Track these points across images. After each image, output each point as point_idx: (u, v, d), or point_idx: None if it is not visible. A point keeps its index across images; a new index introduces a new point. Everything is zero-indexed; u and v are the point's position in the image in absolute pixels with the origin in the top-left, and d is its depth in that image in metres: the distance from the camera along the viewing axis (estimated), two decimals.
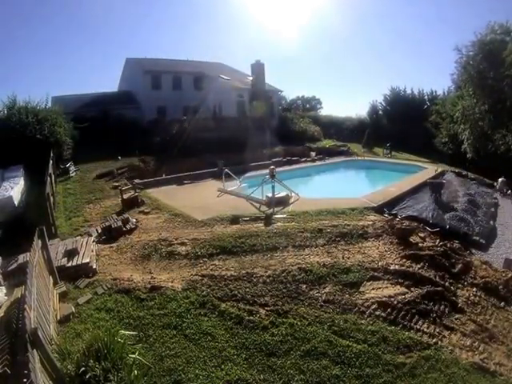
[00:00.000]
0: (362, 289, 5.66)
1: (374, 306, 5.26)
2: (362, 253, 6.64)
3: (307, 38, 70.25)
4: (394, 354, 4.46)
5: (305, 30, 67.08)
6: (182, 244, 7.26)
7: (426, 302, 5.50)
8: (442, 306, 5.52)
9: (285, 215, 8.56)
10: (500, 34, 15.52)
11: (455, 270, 6.57)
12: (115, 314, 5.09)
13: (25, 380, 2.67)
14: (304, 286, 5.67)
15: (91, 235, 8.05)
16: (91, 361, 3.57)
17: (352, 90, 65.45)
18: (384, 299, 5.37)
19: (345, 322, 4.90)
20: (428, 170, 15.82)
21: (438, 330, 5.02)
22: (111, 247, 7.63)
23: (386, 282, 5.87)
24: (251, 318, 4.96)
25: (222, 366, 4.17)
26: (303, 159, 18.98)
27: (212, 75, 23.91)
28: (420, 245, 7.14)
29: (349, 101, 65.92)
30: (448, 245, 7.31)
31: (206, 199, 10.75)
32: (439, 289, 5.83)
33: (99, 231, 8.37)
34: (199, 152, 15.95)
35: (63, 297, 5.52)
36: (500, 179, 14.23)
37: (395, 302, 5.33)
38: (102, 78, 61.24)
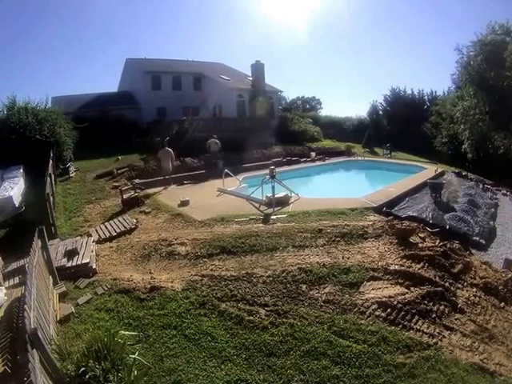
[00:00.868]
0: (361, 289, 5.64)
1: (373, 306, 5.24)
2: (362, 253, 6.62)
3: (307, 37, 70.36)
4: (394, 354, 4.45)
5: (305, 30, 67.21)
6: (182, 244, 7.26)
7: (426, 302, 5.48)
8: (442, 307, 5.50)
9: (285, 215, 8.56)
10: (500, 34, 15.56)
11: (455, 271, 6.55)
12: (115, 314, 5.08)
13: (25, 380, 2.67)
14: (304, 286, 5.65)
15: (91, 235, 8.06)
16: (91, 361, 3.56)
17: (352, 90, 65.80)
18: (384, 299, 5.36)
19: (345, 322, 4.89)
20: (428, 170, 15.77)
21: (437, 331, 5.01)
22: (111, 247, 7.64)
23: (385, 282, 5.86)
24: (251, 318, 4.95)
25: (222, 366, 4.16)
26: (303, 159, 19.01)
27: (212, 76, 23.91)
28: (420, 245, 7.12)
29: (349, 101, 66.08)
30: (448, 245, 7.29)
31: (205, 199, 10.76)
32: (439, 289, 5.81)
33: (99, 231, 8.37)
34: (199, 152, 16.00)
35: (63, 297, 5.52)
36: None
37: (395, 302, 5.32)
38: (101, 79, 61.41)
